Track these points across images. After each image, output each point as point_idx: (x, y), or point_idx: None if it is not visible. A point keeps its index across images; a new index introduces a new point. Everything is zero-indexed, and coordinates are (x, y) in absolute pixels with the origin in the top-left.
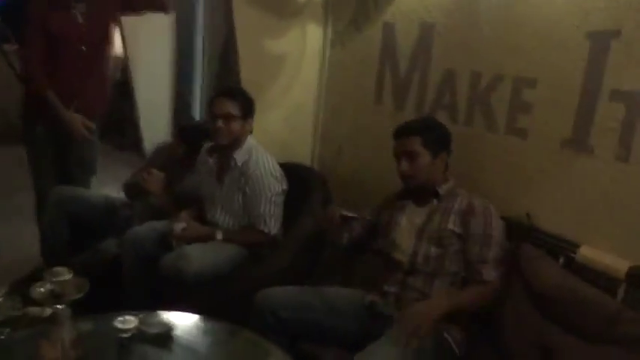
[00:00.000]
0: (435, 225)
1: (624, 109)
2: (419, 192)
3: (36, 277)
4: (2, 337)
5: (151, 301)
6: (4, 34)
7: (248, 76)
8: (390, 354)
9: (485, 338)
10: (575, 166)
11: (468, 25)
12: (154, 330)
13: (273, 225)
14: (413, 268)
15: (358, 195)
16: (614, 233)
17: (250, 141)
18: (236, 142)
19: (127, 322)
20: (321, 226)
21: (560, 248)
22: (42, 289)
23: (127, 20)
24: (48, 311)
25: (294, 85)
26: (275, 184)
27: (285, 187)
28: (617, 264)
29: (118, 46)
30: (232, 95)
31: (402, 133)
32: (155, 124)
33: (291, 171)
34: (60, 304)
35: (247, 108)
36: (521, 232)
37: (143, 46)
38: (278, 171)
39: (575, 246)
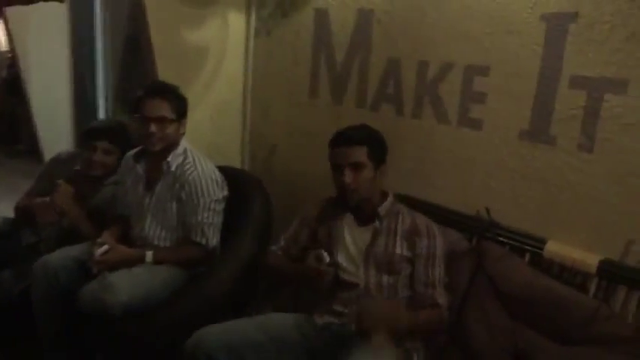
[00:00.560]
0: (382, 249)
1: (585, 96)
2: (359, 210)
3: None
4: None
5: (68, 341)
6: None
7: (166, 72)
8: None
9: (454, 347)
10: (535, 157)
11: (411, 11)
12: None
13: (211, 236)
14: (367, 293)
15: (296, 199)
16: (582, 226)
17: (184, 143)
18: (170, 146)
19: None
20: (310, 279)
21: (525, 244)
22: None
23: (13, 10)
24: None
25: (217, 80)
26: (214, 189)
27: (225, 193)
28: (587, 258)
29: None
30: (165, 95)
31: (345, 141)
32: (54, 126)
33: (224, 175)
34: None
35: (181, 108)
36: (481, 229)
37: (33, 38)
38: (218, 175)
39: (541, 242)
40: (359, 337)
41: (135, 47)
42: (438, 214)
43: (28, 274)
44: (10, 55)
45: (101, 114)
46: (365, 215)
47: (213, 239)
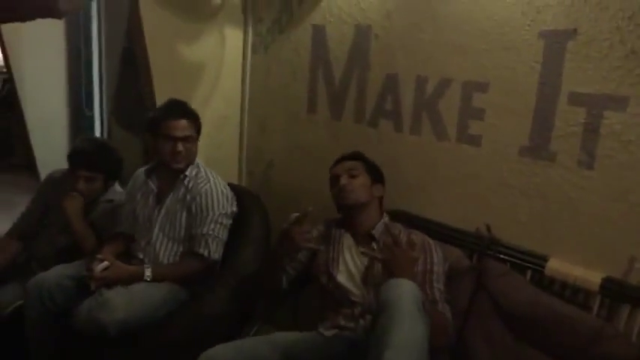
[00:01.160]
0: (379, 270)
1: (585, 112)
2: (357, 228)
3: None
4: None
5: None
6: None
7: (162, 87)
8: None
9: None
10: (535, 173)
11: (409, 26)
12: None
13: (214, 249)
14: (369, 311)
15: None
16: (583, 244)
17: (198, 161)
18: (189, 165)
19: None
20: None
21: (526, 262)
22: None
23: (8, 25)
24: None
25: (214, 96)
26: (224, 204)
27: (234, 209)
28: (590, 276)
29: None
30: (187, 115)
31: (344, 157)
32: (50, 141)
33: None
34: None
35: (199, 125)
36: (481, 246)
37: (28, 53)
38: (228, 191)
39: (542, 259)
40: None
41: (131, 62)
42: (438, 231)
43: (21, 292)
44: (5, 70)
45: (97, 128)
46: (364, 238)
47: (216, 253)
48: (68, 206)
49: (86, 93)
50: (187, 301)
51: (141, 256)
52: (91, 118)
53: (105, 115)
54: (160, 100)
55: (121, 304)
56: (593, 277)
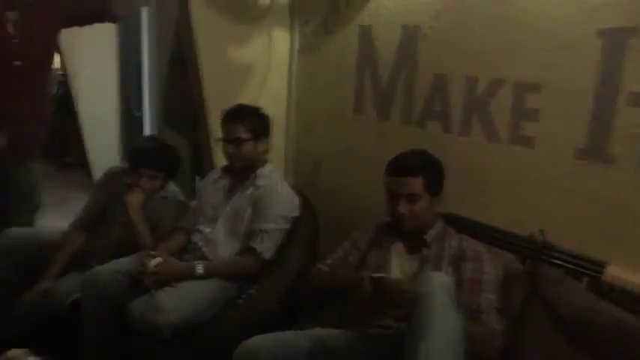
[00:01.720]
0: None
1: None
2: (410, 237)
3: None
4: None
5: (117, 352)
6: None
7: (212, 88)
8: None
9: None
10: (592, 176)
11: (459, 26)
12: None
13: (268, 247)
14: None
15: (341, 215)
16: None
17: (270, 165)
18: (252, 162)
19: None
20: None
21: (582, 268)
22: None
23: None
24: None
25: (261, 97)
26: (288, 207)
27: (296, 214)
28: None
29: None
30: (239, 117)
31: (402, 171)
32: (101, 140)
33: None
34: None
35: (258, 128)
36: (535, 251)
37: (82, 55)
38: (294, 197)
39: (599, 265)
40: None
41: (180, 64)
42: (489, 235)
43: (80, 284)
44: (61, 72)
45: (146, 128)
46: (414, 243)
47: (269, 252)
48: (132, 201)
49: (136, 94)
50: (236, 299)
51: (200, 244)
52: (141, 119)
53: (154, 116)
54: (209, 101)
55: (173, 306)
56: None
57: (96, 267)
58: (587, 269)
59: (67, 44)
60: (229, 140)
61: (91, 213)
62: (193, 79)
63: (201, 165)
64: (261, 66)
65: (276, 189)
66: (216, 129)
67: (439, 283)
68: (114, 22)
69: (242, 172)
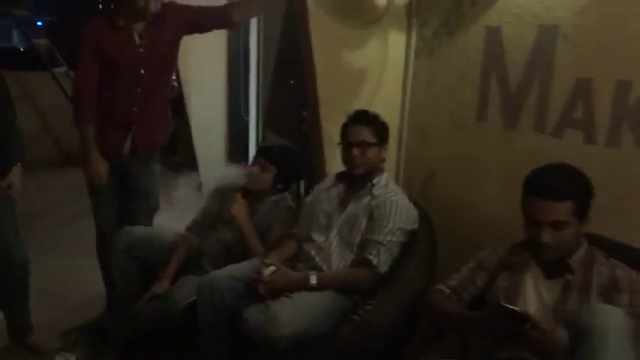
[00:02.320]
0: (574, 307)
1: None
2: (550, 262)
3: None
4: None
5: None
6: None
7: (326, 93)
8: None
9: None
10: None
11: (609, 23)
12: None
13: (384, 260)
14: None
15: (459, 230)
16: None
17: (386, 174)
18: (372, 170)
19: None
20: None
21: None
22: None
23: None
24: None
25: (375, 101)
26: (406, 218)
27: (415, 227)
28: None
29: None
30: (367, 121)
31: (547, 193)
32: (209, 142)
33: None
34: None
35: (383, 134)
36: None
37: (194, 60)
38: (413, 209)
39: None
40: None
41: (286, 68)
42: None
43: (194, 287)
44: (174, 77)
45: (252, 132)
46: (554, 266)
47: (384, 265)
48: (235, 212)
49: (244, 99)
50: (350, 313)
51: (313, 253)
52: (248, 123)
53: (259, 120)
54: (323, 103)
55: (288, 319)
56: None
57: (211, 272)
58: None
59: (181, 50)
60: (355, 144)
61: (205, 217)
62: (309, 84)
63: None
64: (375, 70)
65: (394, 199)
66: (329, 134)
67: (614, 318)
68: (232, 28)
69: (358, 180)
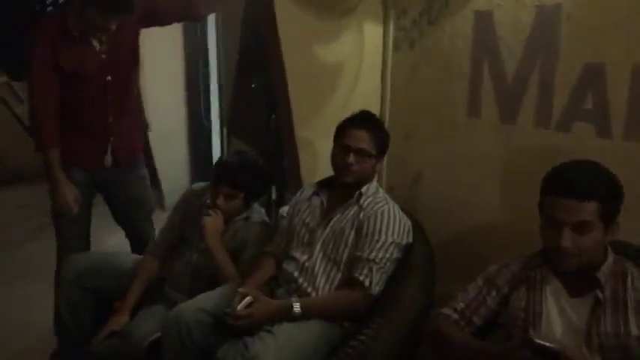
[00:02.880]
0: (609, 328)
1: None
2: (572, 275)
3: None
4: None
5: None
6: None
7: (298, 91)
8: None
9: None
10: None
11: (621, 1)
12: None
13: (377, 281)
14: None
15: (453, 240)
16: None
17: (374, 181)
18: (363, 181)
19: None
20: None
21: None
22: None
23: None
24: None
25: (352, 100)
26: (400, 232)
27: (410, 240)
28: None
29: None
30: (372, 128)
31: (572, 193)
32: (170, 152)
33: None
34: None
35: (382, 145)
36: None
37: (149, 63)
38: (406, 220)
39: None
40: None
41: (248, 70)
42: None
43: (156, 321)
44: None
45: (215, 139)
46: (579, 282)
47: (377, 286)
48: (209, 226)
49: (204, 104)
50: (341, 343)
51: (295, 274)
52: (210, 130)
53: (223, 125)
54: (295, 104)
55: (271, 358)
56: None
57: (179, 305)
58: None
59: None
60: (353, 149)
61: (167, 238)
62: (276, 81)
63: (272, 177)
64: (351, 65)
65: (385, 209)
66: (303, 137)
67: None
68: (196, 21)
69: (343, 189)
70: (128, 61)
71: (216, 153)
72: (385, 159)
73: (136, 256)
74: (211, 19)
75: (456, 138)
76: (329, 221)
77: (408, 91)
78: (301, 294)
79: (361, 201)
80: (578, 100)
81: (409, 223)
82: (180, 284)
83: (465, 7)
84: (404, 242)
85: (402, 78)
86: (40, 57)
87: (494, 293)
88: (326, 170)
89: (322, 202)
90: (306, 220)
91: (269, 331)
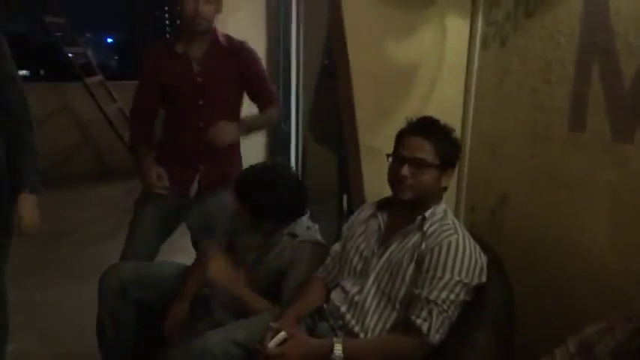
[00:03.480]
0: None
1: None
2: None
3: None
4: None
5: None
6: (87, 65)
7: (363, 96)
8: None
9: None
10: None
11: None
12: None
13: (437, 326)
14: None
15: (543, 280)
16: None
17: (444, 203)
18: (425, 198)
19: None
20: None
21: None
22: None
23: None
24: None
25: (429, 106)
26: (471, 271)
27: (482, 281)
28: None
29: None
30: (432, 134)
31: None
32: (248, 155)
33: None
34: None
35: (449, 154)
36: None
37: None
38: (480, 255)
39: None
40: None
41: (330, 75)
42: None
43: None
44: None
45: (292, 143)
46: None
47: (437, 334)
48: (217, 277)
49: (284, 107)
50: None
51: (342, 309)
52: (288, 133)
53: (301, 130)
54: (360, 108)
55: None
56: None
57: (207, 334)
58: None
59: None
60: (408, 159)
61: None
62: (342, 83)
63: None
64: (429, 65)
65: (453, 240)
66: (369, 145)
67: None
68: (271, 115)
69: (404, 212)
70: (223, 93)
71: (293, 159)
72: (465, 175)
73: (183, 265)
74: (293, 21)
75: (553, 156)
76: (385, 249)
77: (496, 97)
78: (347, 333)
79: (425, 227)
80: None
81: (483, 259)
82: (226, 302)
83: None
84: (474, 282)
85: (489, 81)
86: (145, 70)
87: (610, 341)
88: (384, 189)
89: (380, 226)
90: (361, 247)
91: None
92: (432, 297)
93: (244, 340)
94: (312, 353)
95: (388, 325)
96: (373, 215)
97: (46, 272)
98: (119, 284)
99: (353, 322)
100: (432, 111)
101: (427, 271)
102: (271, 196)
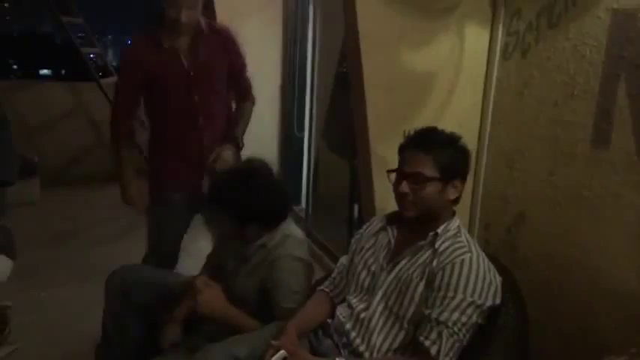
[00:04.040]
0: None
1: None
2: None
3: None
4: None
5: None
6: (102, 65)
7: (376, 105)
8: None
9: None
10: None
11: None
12: None
13: (446, 351)
14: None
15: (562, 305)
16: None
17: (457, 219)
18: (432, 213)
19: None
20: None
21: None
22: None
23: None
24: None
25: (444, 118)
26: (485, 292)
27: (496, 303)
28: None
29: None
30: (429, 147)
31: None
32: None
33: None
34: None
35: (451, 166)
36: None
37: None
38: (495, 276)
39: None
40: None
41: (346, 82)
42: None
43: None
44: None
45: (305, 150)
46: None
47: (447, 357)
48: (208, 308)
49: (298, 115)
50: None
51: (348, 326)
52: (301, 140)
53: (314, 138)
54: (373, 117)
55: None
56: None
57: (207, 347)
58: None
59: None
60: (407, 175)
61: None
62: (355, 92)
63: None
64: (445, 75)
65: (466, 258)
66: (381, 156)
67: None
68: (243, 106)
69: (415, 227)
70: (216, 80)
71: (305, 165)
72: (480, 191)
73: (187, 277)
74: (310, 32)
75: (575, 173)
76: (395, 265)
77: (515, 110)
78: (351, 352)
79: (436, 244)
80: None
81: (498, 280)
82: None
83: (598, 5)
84: (487, 304)
85: (509, 93)
86: (127, 63)
87: None
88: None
89: (390, 241)
90: (369, 261)
91: None
92: (442, 318)
93: (245, 355)
94: None
95: (395, 345)
96: (383, 229)
97: (52, 272)
98: (124, 286)
99: (358, 341)
100: (448, 122)
101: (438, 290)
102: (253, 195)
